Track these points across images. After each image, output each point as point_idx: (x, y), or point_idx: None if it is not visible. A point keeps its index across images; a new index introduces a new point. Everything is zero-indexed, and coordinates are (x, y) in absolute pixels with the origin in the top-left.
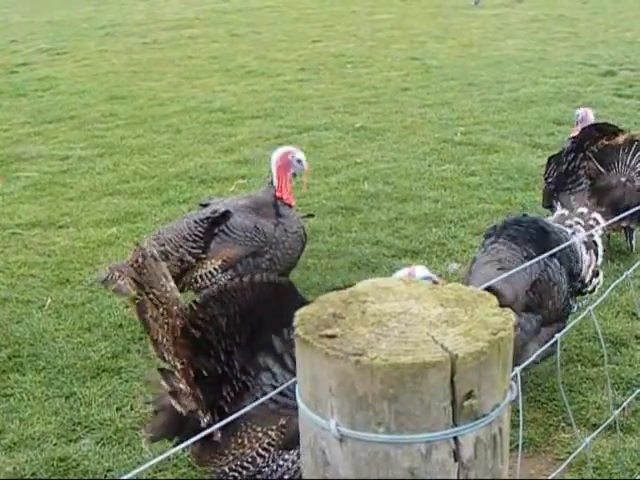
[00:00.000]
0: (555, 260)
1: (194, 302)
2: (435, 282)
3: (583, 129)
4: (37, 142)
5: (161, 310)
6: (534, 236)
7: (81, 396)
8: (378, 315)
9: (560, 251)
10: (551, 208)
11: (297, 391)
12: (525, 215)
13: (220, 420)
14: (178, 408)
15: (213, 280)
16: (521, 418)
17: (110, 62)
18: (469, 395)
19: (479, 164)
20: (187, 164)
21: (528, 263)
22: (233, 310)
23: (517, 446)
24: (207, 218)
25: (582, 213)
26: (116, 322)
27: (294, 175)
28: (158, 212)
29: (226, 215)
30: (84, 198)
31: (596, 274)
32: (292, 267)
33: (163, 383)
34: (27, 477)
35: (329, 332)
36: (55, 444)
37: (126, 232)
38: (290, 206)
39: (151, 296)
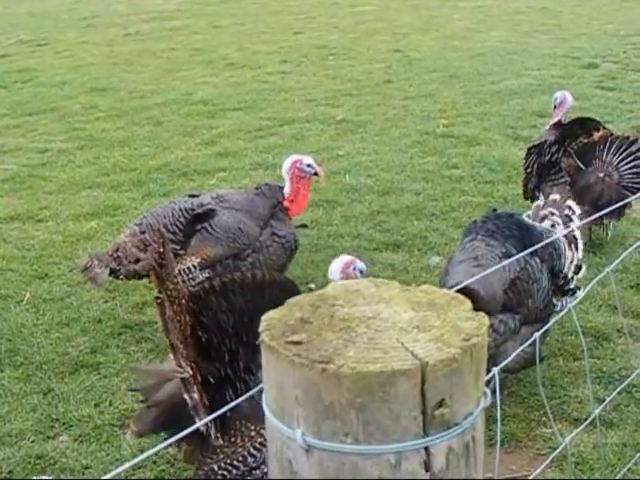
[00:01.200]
0: (536, 258)
1: (195, 296)
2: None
3: (567, 124)
4: (16, 135)
5: (175, 307)
6: (513, 232)
7: (59, 392)
8: (347, 320)
9: (541, 248)
10: (532, 200)
11: (264, 399)
12: (503, 211)
13: (218, 420)
14: (197, 420)
15: (190, 277)
16: (498, 417)
17: (91, 54)
18: (440, 404)
19: (461, 157)
20: (168, 157)
21: (506, 262)
22: (237, 305)
23: (497, 442)
24: (192, 210)
25: (555, 200)
26: (95, 317)
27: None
28: (138, 205)
29: (211, 213)
30: (63, 191)
31: (578, 269)
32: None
33: (186, 396)
34: (3, 475)
35: (295, 338)
36: (32, 441)
37: (106, 225)
38: (289, 215)
39: (168, 292)
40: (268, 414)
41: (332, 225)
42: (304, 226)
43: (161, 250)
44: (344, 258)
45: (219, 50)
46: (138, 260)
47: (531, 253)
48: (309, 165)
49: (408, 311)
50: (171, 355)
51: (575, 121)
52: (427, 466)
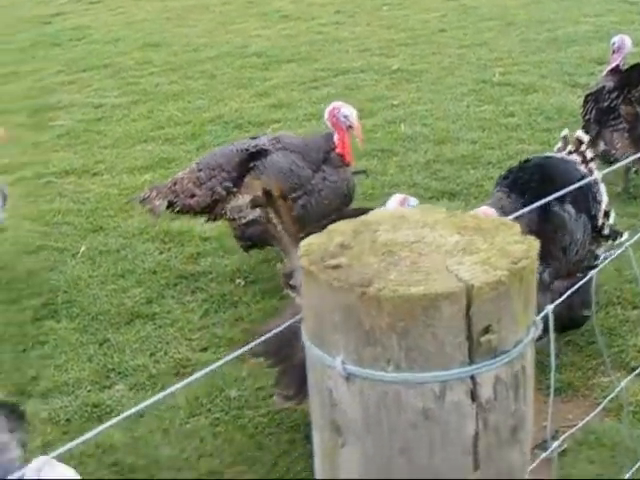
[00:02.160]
0: (567, 205)
1: None
2: None
3: (625, 71)
4: (71, 91)
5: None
6: (540, 180)
7: (115, 342)
8: (389, 244)
9: (576, 194)
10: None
11: (302, 327)
12: (535, 157)
13: None
14: None
15: (241, 215)
16: (552, 353)
17: (144, 10)
18: (487, 330)
19: (518, 105)
20: (222, 109)
21: (526, 209)
22: None
23: (553, 390)
24: (246, 150)
25: (565, 137)
26: (150, 268)
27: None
28: (193, 157)
29: (264, 152)
30: (118, 145)
31: (606, 215)
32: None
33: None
34: (61, 423)
35: (334, 262)
36: (89, 390)
37: (160, 178)
38: (345, 162)
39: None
40: (307, 342)
41: (387, 175)
42: (363, 172)
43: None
44: (398, 196)
45: (273, 2)
46: (193, 195)
47: (562, 202)
48: (345, 116)
49: (454, 235)
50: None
51: (634, 67)
52: (473, 396)
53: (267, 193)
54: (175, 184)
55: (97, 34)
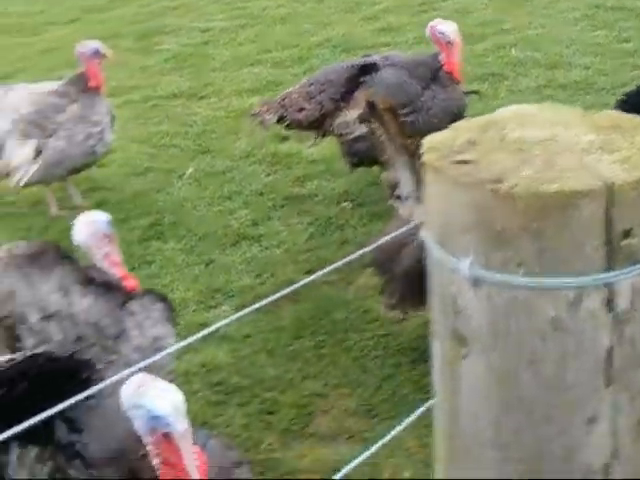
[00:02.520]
0: None
1: None
2: None
3: None
4: (177, 15)
5: None
6: None
7: (221, 263)
8: (519, 142)
9: None
10: None
11: (423, 229)
12: None
13: None
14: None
15: (349, 130)
16: None
17: None
18: (627, 233)
19: (634, 30)
20: (329, 33)
21: None
22: None
23: None
24: (356, 66)
25: None
26: (257, 190)
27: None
28: (300, 81)
29: (374, 66)
30: (226, 69)
31: None
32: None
33: None
34: None
35: (462, 157)
36: (194, 310)
37: None
38: (455, 80)
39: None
40: (430, 244)
41: (498, 99)
42: (475, 92)
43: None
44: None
45: None
46: (302, 109)
47: None
48: (441, 33)
49: (589, 134)
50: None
51: None
52: (610, 306)
53: (371, 104)
54: (285, 99)
55: None
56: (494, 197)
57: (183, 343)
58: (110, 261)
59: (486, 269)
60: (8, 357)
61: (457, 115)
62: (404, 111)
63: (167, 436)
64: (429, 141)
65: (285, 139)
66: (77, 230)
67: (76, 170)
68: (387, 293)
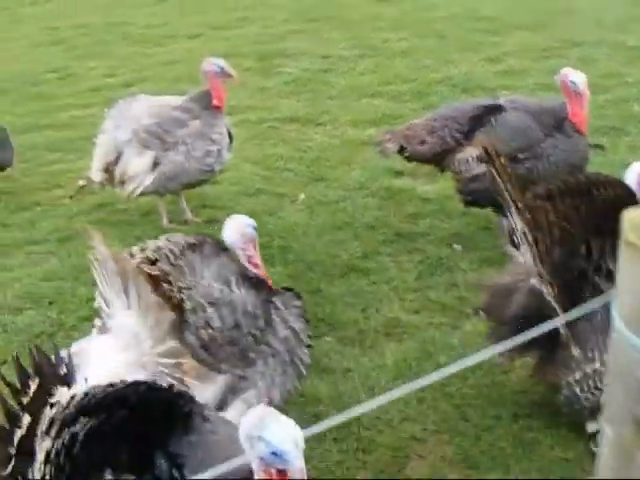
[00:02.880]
0: None
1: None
2: None
3: None
4: (299, 39)
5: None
6: None
7: (327, 293)
8: None
9: None
10: None
11: (614, 305)
12: None
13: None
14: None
15: (467, 168)
16: None
17: None
18: None
19: None
20: (451, 70)
21: None
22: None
23: None
24: (481, 105)
25: None
26: (368, 223)
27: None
28: (418, 116)
29: (499, 108)
30: (344, 97)
31: None
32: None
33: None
34: None
35: None
36: None
37: None
38: (580, 131)
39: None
40: (618, 322)
41: (617, 154)
42: (600, 147)
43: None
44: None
45: None
46: (424, 142)
47: None
48: (573, 82)
49: None
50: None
51: None
52: None
53: (487, 151)
54: (408, 130)
55: None
56: None
57: None
58: (252, 263)
59: None
60: (109, 382)
61: (578, 167)
62: (523, 156)
63: (281, 473)
64: (631, 218)
65: (399, 174)
66: (227, 230)
67: (191, 185)
68: (494, 338)
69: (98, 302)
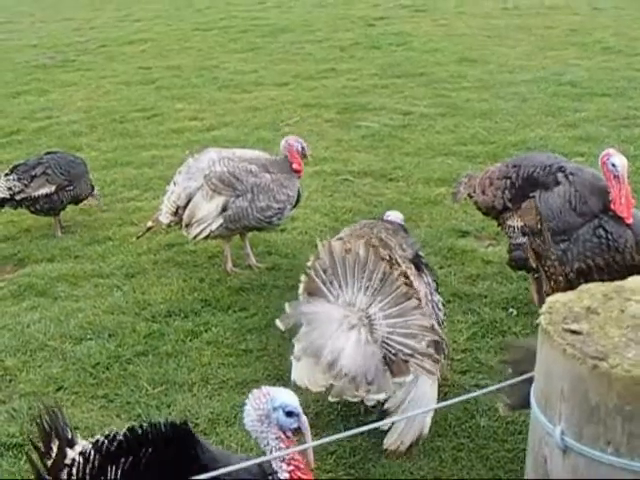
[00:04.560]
0: None
1: None
2: None
3: None
4: (383, 95)
5: (552, 284)
6: None
7: None
8: (638, 317)
9: None
10: None
11: (532, 387)
12: None
13: None
14: None
15: (514, 234)
16: None
17: (466, 24)
18: None
19: None
20: (528, 134)
21: None
22: None
23: None
24: (531, 177)
25: None
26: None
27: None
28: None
29: (550, 184)
30: (419, 154)
31: None
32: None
33: None
34: None
35: (574, 327)
36: None
37: None
38: (623, 220)
39: (546, 268)
40: (533, 403)
41: None
42: None
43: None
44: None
45: (595, 33)
46: (484, 192)
47: None
48: (613, 165)
49: None
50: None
51: None
52: None
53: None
54: (483, 176)
55: (417, 42)
56: (593, 374)
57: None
58: None
59: (577, 439)
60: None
61: (619, 252)
62: (558, 238)
63: (295, 431)
64: (551, 301)
65: (465, 234)
66: None
67: (251, 228)
68: (507, 392)
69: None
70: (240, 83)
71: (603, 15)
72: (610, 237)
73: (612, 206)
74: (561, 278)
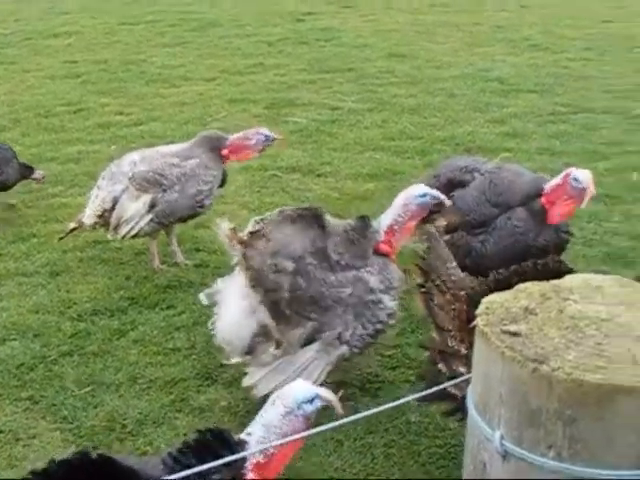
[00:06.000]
0: None
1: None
2: None
3: None
4: (311, 90)
5: (447, 296)
6: None
7: None
8: (577, 318)
9: None
10: None
11: (469, 390)
12: None
13: None
14: (454, 391)
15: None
16: None
17: (395, 19)
18: None
19: None
20: (455, 130)
21: None
22: None
23: None
24: (450, 181)
25: None
26: None
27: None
28: (418, 174)
29: (463, 184)
30: (347, 150)
31: None
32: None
33: (442, 366)
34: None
35: (513, 328)
36: None
37: (383, 189)
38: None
39: (437, 282)
40: (471, 407)
41: (610, 222)
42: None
43: (428, 244)
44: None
45: (523, 30)
46: None
47: None
48: (576, 179)
49: None
50: (434, 335)
51: None
52: None
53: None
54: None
55: (345, 37)
56: (534, 377)
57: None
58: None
59: (517, 444)
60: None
61: (534, 247)
62: (476, 231)
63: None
64: (487, 302)
65: None
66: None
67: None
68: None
69: None
70: (168, 78)
71: (530, 12)
72: (518, 230)
73: (548, 207)
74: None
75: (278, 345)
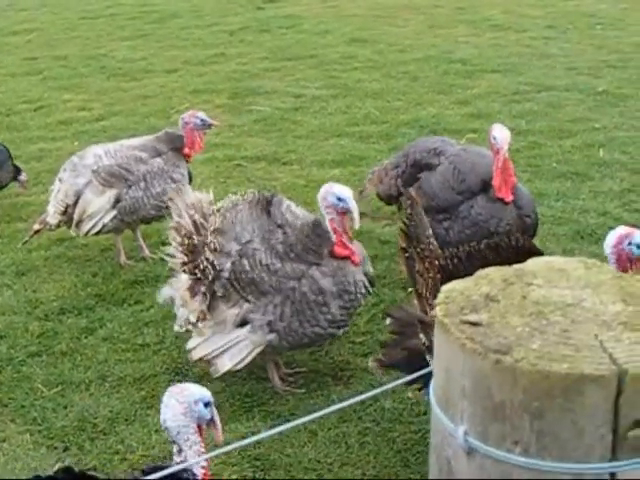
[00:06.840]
0: None
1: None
2: None
3: None
4: (273, 78)
5: (426, 264)
6: None
7: None
8: (541, 303)
9: None
10: None
11: (431, 384)
12: None
13: None
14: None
15: None
16: None
17: (355, 4)
18: (637, 424)
19: None
20: (420, 113)
21: None
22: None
23: None
24: (417, 162)
25: None
26: None
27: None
28: (384, 158)
29: (430, 167)
30: (312, 137)
31: None
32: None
33: (422, 336)
34: None
35: (473, 318)
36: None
37: (348, 175)
38: (501, 198)
39: (418, 249)
40: (433, 402)
41: (579, 199)
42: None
43: (410, 211)
44: (619, 230)
45: (484, 10)
46: (382, 182)
47: None
48: (494, 138)
49: (617, 303)
50: (415, 301)
51: None
52: None
53: (410, 198)
54: (380, 169)
55: (307, 24)
56: (497, 369)
57: None
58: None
59: (482, 440)
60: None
61: (494, 234)
62: (440, 217)
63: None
64: (446, 290)
65: (360, 216)
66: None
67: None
68: (384, 351)
69: None
70: (129, 71)
71: None
72: (480, 217)
73: (493, 180)
74: (441, 261)
75: (199, 317)
